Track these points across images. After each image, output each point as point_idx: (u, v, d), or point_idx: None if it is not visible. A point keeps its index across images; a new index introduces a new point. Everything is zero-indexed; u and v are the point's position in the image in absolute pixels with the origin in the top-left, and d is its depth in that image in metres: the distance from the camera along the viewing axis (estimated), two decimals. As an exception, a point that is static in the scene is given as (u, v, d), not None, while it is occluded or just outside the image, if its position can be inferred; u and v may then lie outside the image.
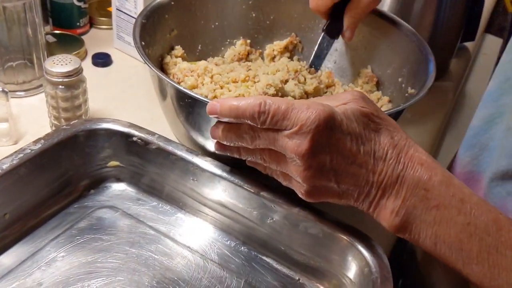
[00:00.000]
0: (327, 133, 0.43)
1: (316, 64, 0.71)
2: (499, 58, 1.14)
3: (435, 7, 0.85)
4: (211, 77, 0.64)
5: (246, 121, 0.45)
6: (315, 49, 0.70)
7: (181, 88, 0.53)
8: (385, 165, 0.44)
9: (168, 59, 0.67)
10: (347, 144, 0.44)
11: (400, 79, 0.68)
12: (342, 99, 0.46)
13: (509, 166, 0.47)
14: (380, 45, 0.72)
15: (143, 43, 0.58)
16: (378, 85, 0.72)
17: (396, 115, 0.58)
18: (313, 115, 0.43)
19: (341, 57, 0.76)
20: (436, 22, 0.86)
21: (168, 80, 0.54)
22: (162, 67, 0.68)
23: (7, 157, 0.53)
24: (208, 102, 0.48)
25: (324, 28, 0.68)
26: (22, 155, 0.53)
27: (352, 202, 0.46)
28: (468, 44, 1.03)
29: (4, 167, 0.52)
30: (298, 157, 0.44)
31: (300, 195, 0.47)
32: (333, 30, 0.68)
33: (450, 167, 0.60)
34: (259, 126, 0.45)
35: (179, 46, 0.69)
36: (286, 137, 0.44)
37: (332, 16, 0.67)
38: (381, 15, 0.71)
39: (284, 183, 0.49)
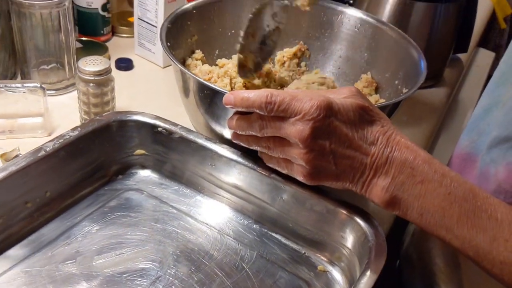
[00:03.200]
0: (327, 121, 0.50)
1: None
2: (491, 70, 1.23)
3: (429, 20, 0.93)
4: (230, 80, 0.72)
5: (256, 110, 0.53)
6: None
7: (202, 80, 0.61)
8: (376, 148, 0.51)
9: (189, 61, 0.75)
10: (344, 130, 0.51)
11: (396, 82, 0.75)
12: (342, 93, 0.54)
13: (498, 134, 0.54)
14: (380, 51, 0.79)
15: (168, 44, 0.66)
16: (377, 89, 0.80)
17: (390, 109, 0.65)
18: (315, 105, 0.50)
19: (344, 64, 0.84)
20: (430, 33, 0.94)
21: (191, 74, 0.62)
22: None
23: (49, 141, 0.60)
24: (226, 92, 0.56)
25: None
26: (62, 140, 0.61)
27: (348, 183, 0.53)
28: (462, 56, 1.11)
29: (47, 149, 0.59)
30: (301, 141, 0.51)
31: (301, 178, 0.54)
32: None
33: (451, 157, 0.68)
34: (266, 114, 0.52)
35: (199, 50, 0.77)
36: (291, 124, 0.51)
37: None
38: (382, 23, 0.79)
39: (285, 171, 0.56)
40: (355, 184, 0.53)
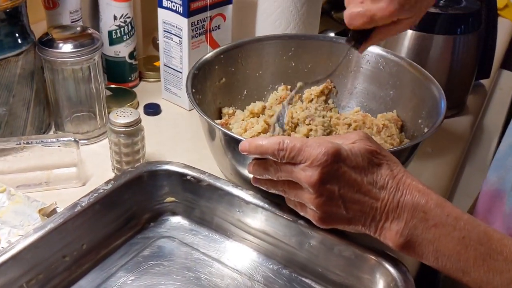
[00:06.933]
0: (335, 166, 0.52)
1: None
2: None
3: (449, 51, 0.94)
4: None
5: (269, 157, 0.55)
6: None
7: (228, 132, 0.63)
8: (386, 193, 0.52)
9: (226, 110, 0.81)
10: (352, 175, 0.52)
11: (420, 121, 0.76)
12: (350, 139, 0.55)
13: None
14: (404, 89, 0.80)
15: (193, 90, 0.70)
16: (402, 127, 0.80)
17: (410, 151, 0.66)
18: (322, 151, 0.52)
19: (371, 101, 0.85)
20: (451, 64, 0.95)
21: (217, 126, 0.64)
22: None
23: (84, 196, 0.63)
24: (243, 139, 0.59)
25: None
26: (96, 194, 0.63)
27: (360, 227, 0.54)
28: (484, 81, 1.11)
29: (83, 204, 0.62)
30: (310, 186, 0.53)
31: (314, 222, 0.56)
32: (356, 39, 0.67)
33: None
34: (279, 161, 0.55)
35: (228, 108, 0.82)
36: (301, 169, 0.53)
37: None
38: (404, 61, 0.80)
39: (301, 213, 0.58)
40: (367, 227, 0.54)
